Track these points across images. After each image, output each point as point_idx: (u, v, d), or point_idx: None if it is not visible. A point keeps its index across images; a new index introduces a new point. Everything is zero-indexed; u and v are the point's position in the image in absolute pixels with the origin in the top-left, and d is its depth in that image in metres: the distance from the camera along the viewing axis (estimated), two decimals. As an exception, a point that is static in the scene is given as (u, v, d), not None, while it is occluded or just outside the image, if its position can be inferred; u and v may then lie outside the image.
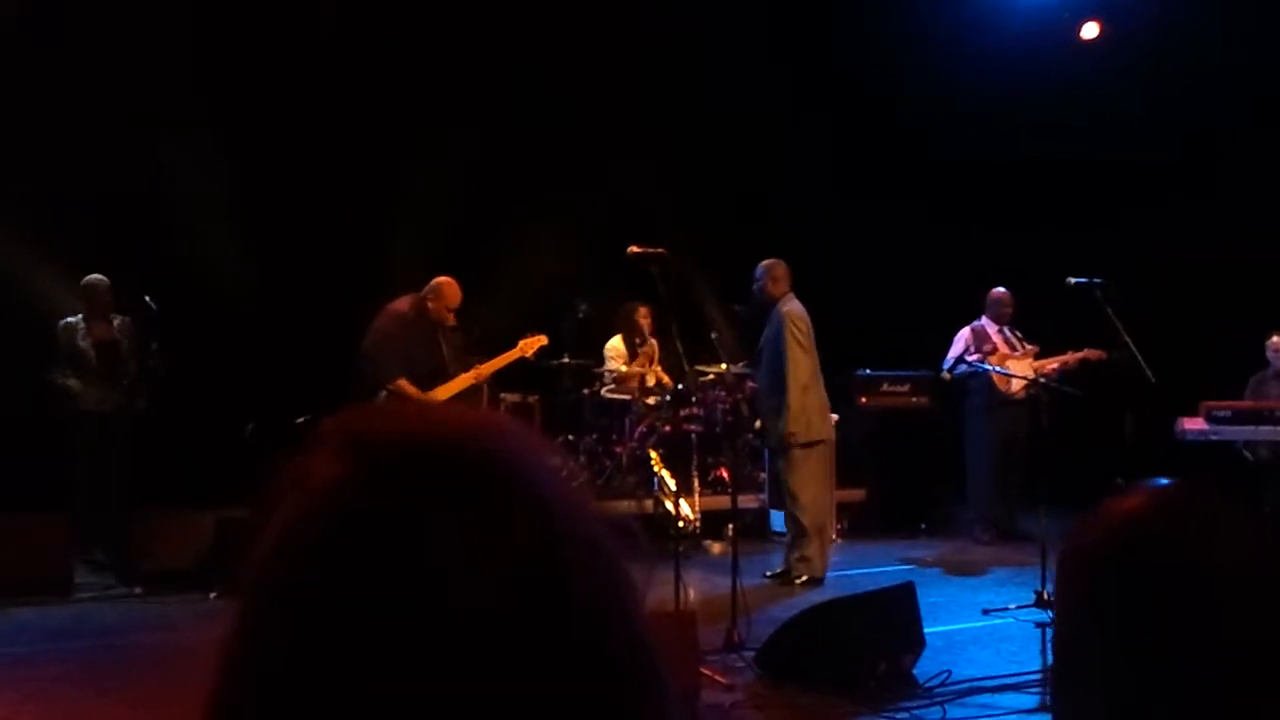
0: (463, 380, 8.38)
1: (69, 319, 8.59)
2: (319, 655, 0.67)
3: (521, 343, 8.65)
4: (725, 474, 10.48)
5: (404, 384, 8.09)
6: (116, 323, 8.70)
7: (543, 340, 8.76)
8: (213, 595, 8.11)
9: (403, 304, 8.36)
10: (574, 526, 0.72)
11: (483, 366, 8.52)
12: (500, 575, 0.68)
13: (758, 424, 10.32)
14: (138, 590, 8.42)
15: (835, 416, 9.65)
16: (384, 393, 8.03)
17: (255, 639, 0.71)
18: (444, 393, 8.26)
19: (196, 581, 8.38)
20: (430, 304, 8.30)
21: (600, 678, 0.70)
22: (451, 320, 8.47)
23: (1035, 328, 10.59)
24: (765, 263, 8.66)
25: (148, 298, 8.68)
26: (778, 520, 10.14)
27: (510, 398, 10.56)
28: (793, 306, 8.49)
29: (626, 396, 10.61)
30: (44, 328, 8.65)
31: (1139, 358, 8.03)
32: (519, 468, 0.72)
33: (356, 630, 0.67)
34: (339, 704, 0.67)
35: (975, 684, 5.88)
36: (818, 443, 8.57)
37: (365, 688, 0.66)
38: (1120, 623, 1.05)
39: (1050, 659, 1.23)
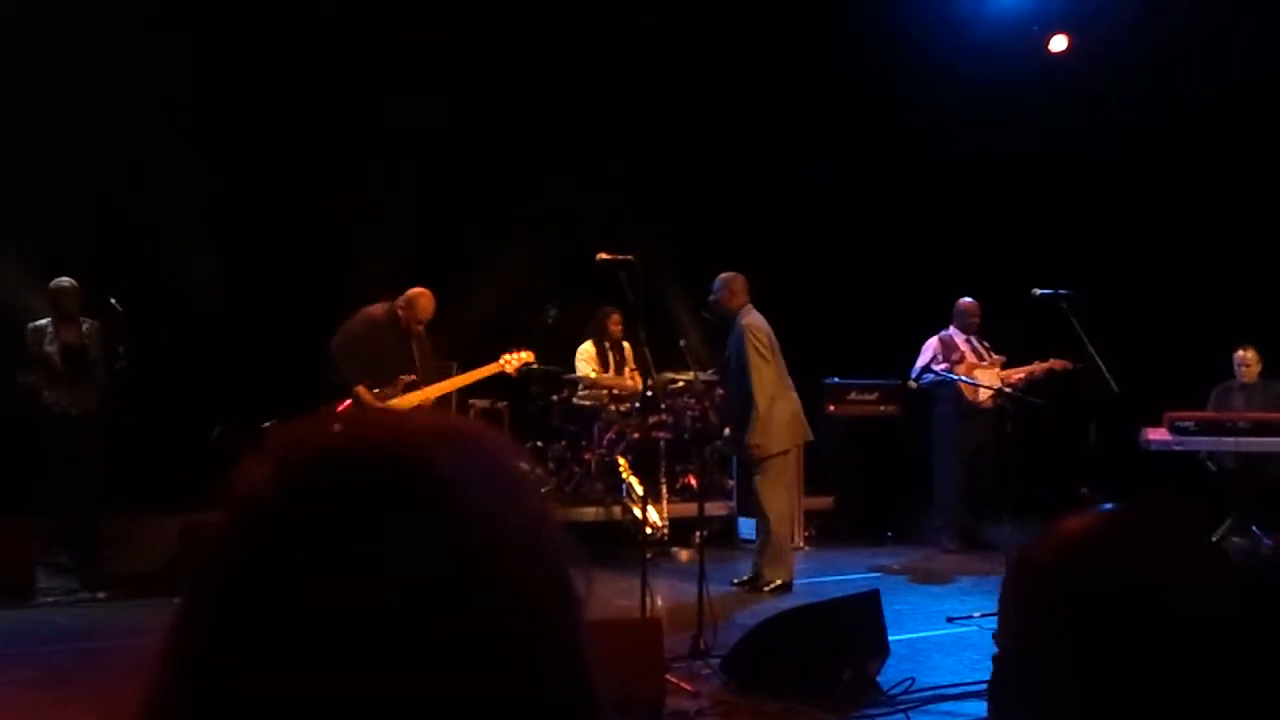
0: (433, 390, 8.35)
1: (37, 322, 8.52)
2: (225, 656, 0.69)
3: (504, 357, 8.61)
4: (693, 481, 10.48)
5: (361, 390, 8.05)
6: (85, 326, 8.63)
7: (528, 357, 8.72)
8: (178, 600, 8.04)
9: (377, 309, 8.35)
10: (499, 535, 0.73)
11: (459, 378, 8.49)
12: (405, 584, 0.69)
13: (726, 431, 10.35)
14: (102, 595, 8.35)
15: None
16: (349, 397, 8.01)
17: (176, 639, 0.73)
18: (412, 400, 8.23)
19: (162, 586, 8.31)
20: (401, 313, 8.28)
21: (521, 686, 0.71)
22: (422, 329, 8.46)
23: (1002, 338, 10.66)
24: (722, 276, 8.65)
25: (113, 300, 8.62)
26: (745, 527, 10.16)
27: (479, 404, 10.55)
28: (752, 319, 8.48)
29: (596, 403, 10.61)
30: (8, 332, 8.59)
31: (1104, 368, 8.10)
32: (443, 477, 0.73)
33: (260, 633, 0.69)
34: (241, 704, 0.68)
35: (939, 691, 5.92)
36: (787, 450, 8.59)
37: (265, 688, 0.68)
38: (1062, 641, 1.06)
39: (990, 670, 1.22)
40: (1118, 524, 1.13)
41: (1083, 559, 1.09)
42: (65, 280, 8.59)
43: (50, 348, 8.45)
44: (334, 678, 0.67)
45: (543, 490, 0.80)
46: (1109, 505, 1.16)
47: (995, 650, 1.16)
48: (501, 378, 9.80)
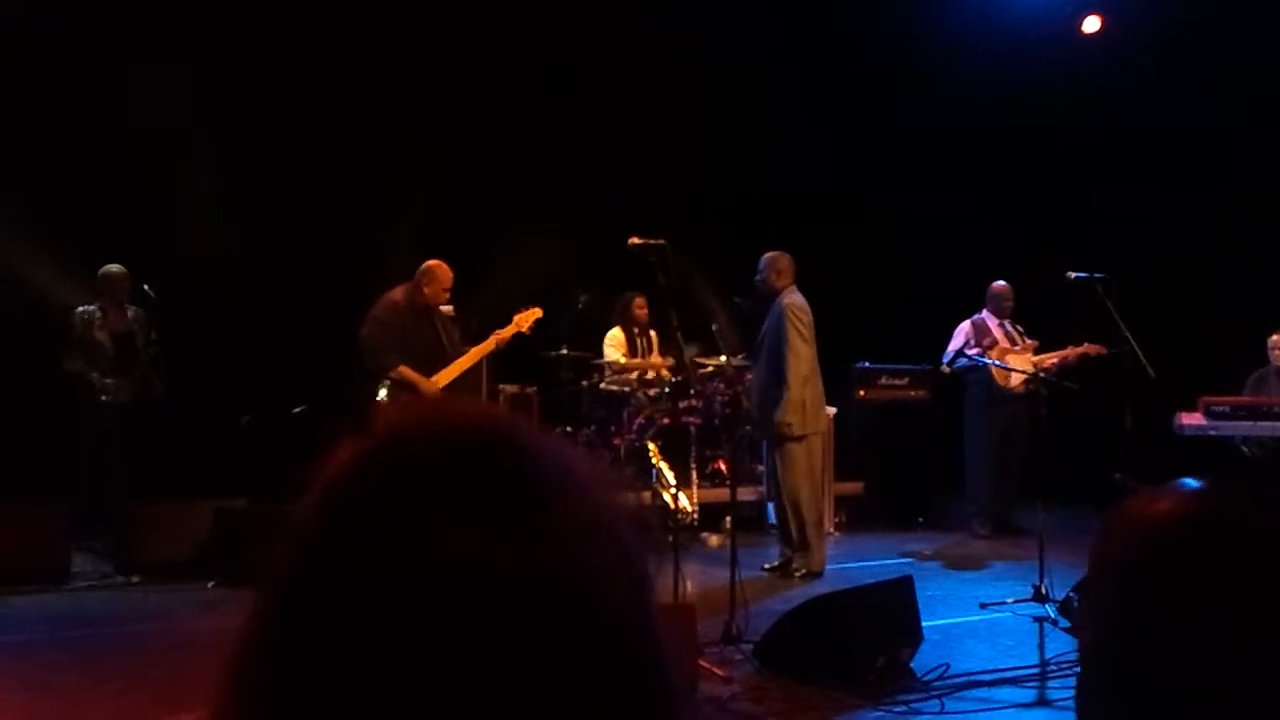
0: (461, 364, 8.35)
1: (85, 308, 8.55)
2: (312, 640, 0.68)
3: (516, 318, 8.59)
4: (723, 466, 10.47)
5: (405, 370, 8.08)
6: (131, 313, 8.68)
7: (537, 313, 8.69)
8: (210, 585, 8.11)
9: (397, 293, 8.35)
10: (580, 524, 0.73)
11: (481, 346, 8.47)
12: (492, 570, 0.68)
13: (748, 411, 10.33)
14: (134, 579, 8.41)
15: (832, 410, 9.67)
16: (387, 382, 8.02)
17: (259, 623, 0.72)
18: (444, 378, 8.24)
19: (194, 571, 8.38)
20: (426, 289, 8.27)
21: (601, 673, 0.70)
22: (447, 300, 8.46)
23: (1036, 322, 10.58)
24: (769, 254, 8.66)
25: (145, 286, 8.67)
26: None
27: (509, 389, 10.55)
28: (795, 298, 8.49)
29: (625, 389, 10.59)
30: (41, 317, 8.65)
31: (1139, 353, 8.02)
32: (527, 464, 0.73)
33: (351, 609, 0.68)
34: (327, 690, 0.67)
35: (972, 677, 5.88)
36: (812, 435, 8.57)
37: (356, 674, 0.67)
38: (1153, 636, 1.01)
39: (1077, 667, 1.16)
40: (1198, 505, 1.07)
41: (1167, 547, 1.03)
42: (115, 267, 8.63)
43: (101, 334, 8.50)
44: (418, 651, 0.67)
45: (617, 482, 0.80)
46: (1182, 486, 1.10)
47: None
48: (531, 364, 9.81)
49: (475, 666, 0.67)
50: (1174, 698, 0.99)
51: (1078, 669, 1.13)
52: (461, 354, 8.40)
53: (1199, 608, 0.99)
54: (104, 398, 8.44)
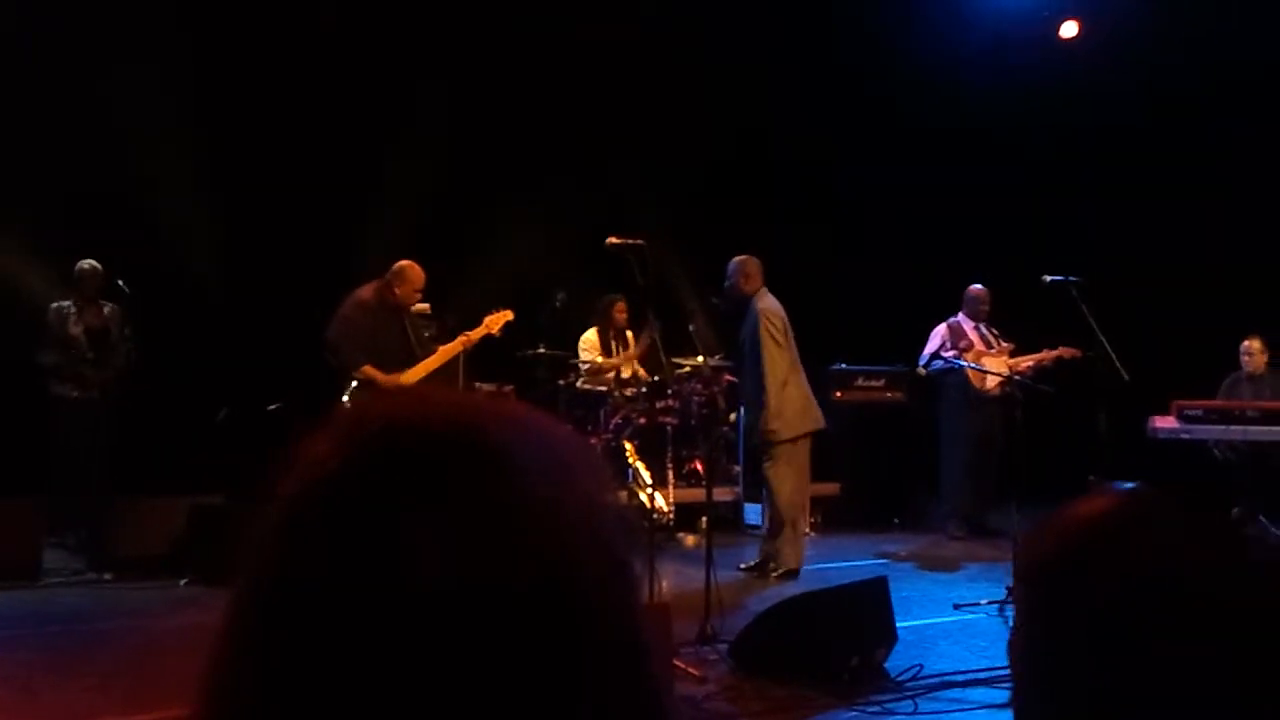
0: (428, 364, 8.31)
1: (60, 303, 8.53)
2: (292, 629, 0.68)
3: (487, 320, 8.56)
4: (700, 467, 10.47)
5: (370, 370, 8.03)
6: (106, 309, 8.65)
7: (508, 315, 8.66)
8: (184, 582, 8.07)
9: (366, 291, 8.30)
10: (570, 522, 0.72)
11: (445, 348, 8.43)
12: (469, 565, 0.68)
13: (731, 417, 10.35)
14: (107, 576, 8.36)
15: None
16: (353, 381, 7.97)
17: (240, 623, 0.71)
18: (410, 378, 8.20)
19: (168, 568, 8.33)
20: (398, 289, 8.23)
21: (593, 673, 0.70)
22: (419, 301, 8.41)
23: (1011, 325, 10.62)
24: (737, 259, 8.63)
25: (120, 282, 8.63)
26: (751, 513, 10.15)
27: (485, 388, 10.52)
28: (767, 303, 8.47)
29: (601, 388, 10.58)
30: (17, 314, 8.60)
31: (1113, 356, 8.06)
32: (502, 449, 0.73)
33: (325, 614, 0.68)
34: (312, 691, 0.67)
35: (946, 678, 5.90)
36: (801, 437, 8.56)
37: (343, 676, 0.67)
38: (1084, 637, 1.01)
39: (1009, 669, 1.16)
40: (1125, 507, 1.07)
41: (1096, 547, 1.03)
42: (88, 263, 8.61)
43: (75, 329, 8.48)
44: (398, 646, 0.67)
45: (604, 472, 0.80)
46: (1111, 487, 1.10)
47: (1011, 653, 1.10)
48: (507, 363, 9.78)
49: (464, 669, 0.67)
50: (1101, 695, 0.99)
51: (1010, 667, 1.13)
52: (430, 354, 8.36)
53: (1125, 605, 0.99)
54: (77, 393, 8.41)
